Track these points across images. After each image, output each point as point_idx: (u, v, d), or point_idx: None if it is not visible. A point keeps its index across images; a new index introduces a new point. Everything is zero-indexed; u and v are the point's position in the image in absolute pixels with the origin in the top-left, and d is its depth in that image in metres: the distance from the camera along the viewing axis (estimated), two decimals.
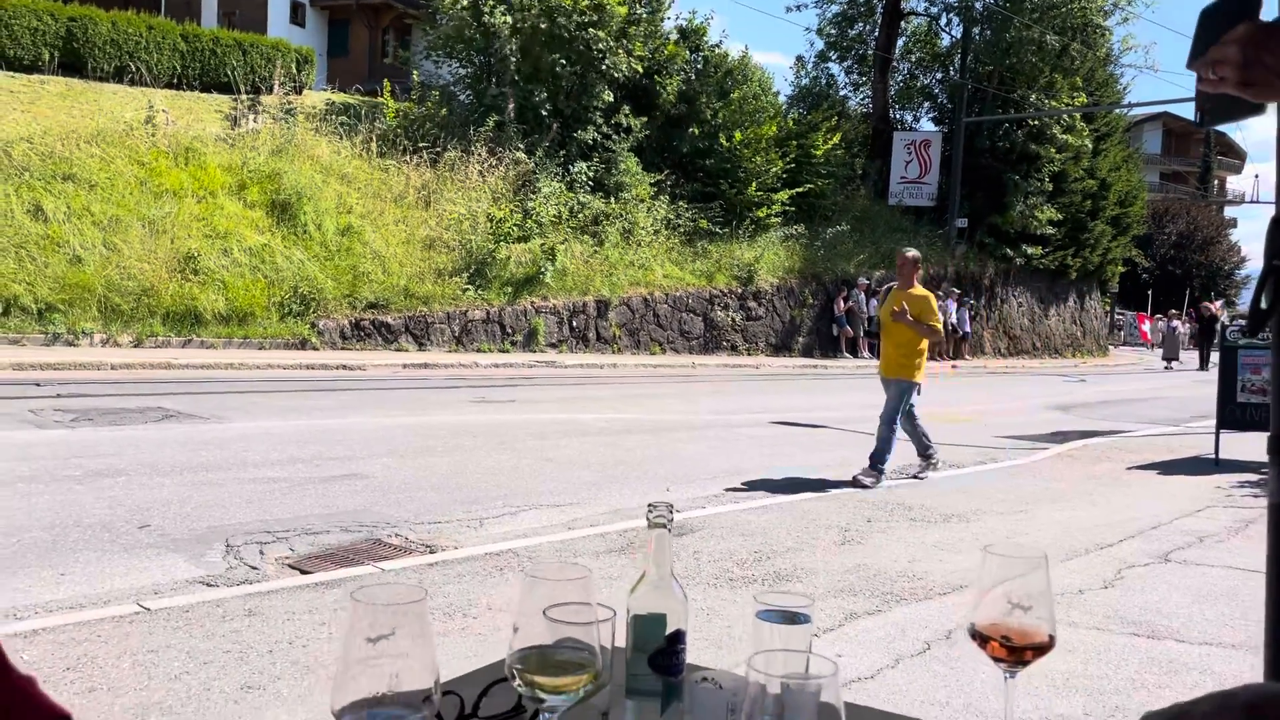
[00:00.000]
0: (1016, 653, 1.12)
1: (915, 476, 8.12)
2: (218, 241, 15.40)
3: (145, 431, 8.25)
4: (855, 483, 7.55)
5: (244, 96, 19.38)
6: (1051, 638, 1.12)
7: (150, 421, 8.72)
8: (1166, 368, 30.71)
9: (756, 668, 0.80)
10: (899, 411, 7.67)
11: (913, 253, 7.86)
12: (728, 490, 7.37)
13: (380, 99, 20.98)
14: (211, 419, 9.03)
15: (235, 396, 10.68)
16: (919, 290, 7.69)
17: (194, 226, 15.35)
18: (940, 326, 7.75)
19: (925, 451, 8.12)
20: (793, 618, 1.19)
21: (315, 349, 15.21)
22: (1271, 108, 1.50)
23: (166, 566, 4.78)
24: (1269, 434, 1.83)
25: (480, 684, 1.25)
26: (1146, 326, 42.35)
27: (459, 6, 19.90)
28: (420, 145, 19.46)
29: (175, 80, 20.18)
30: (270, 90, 20.17)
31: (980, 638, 1.13)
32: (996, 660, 1.14)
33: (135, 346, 13.57)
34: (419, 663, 0.91)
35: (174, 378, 11.96)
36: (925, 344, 7.72)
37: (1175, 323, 33.01)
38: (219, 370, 12.80)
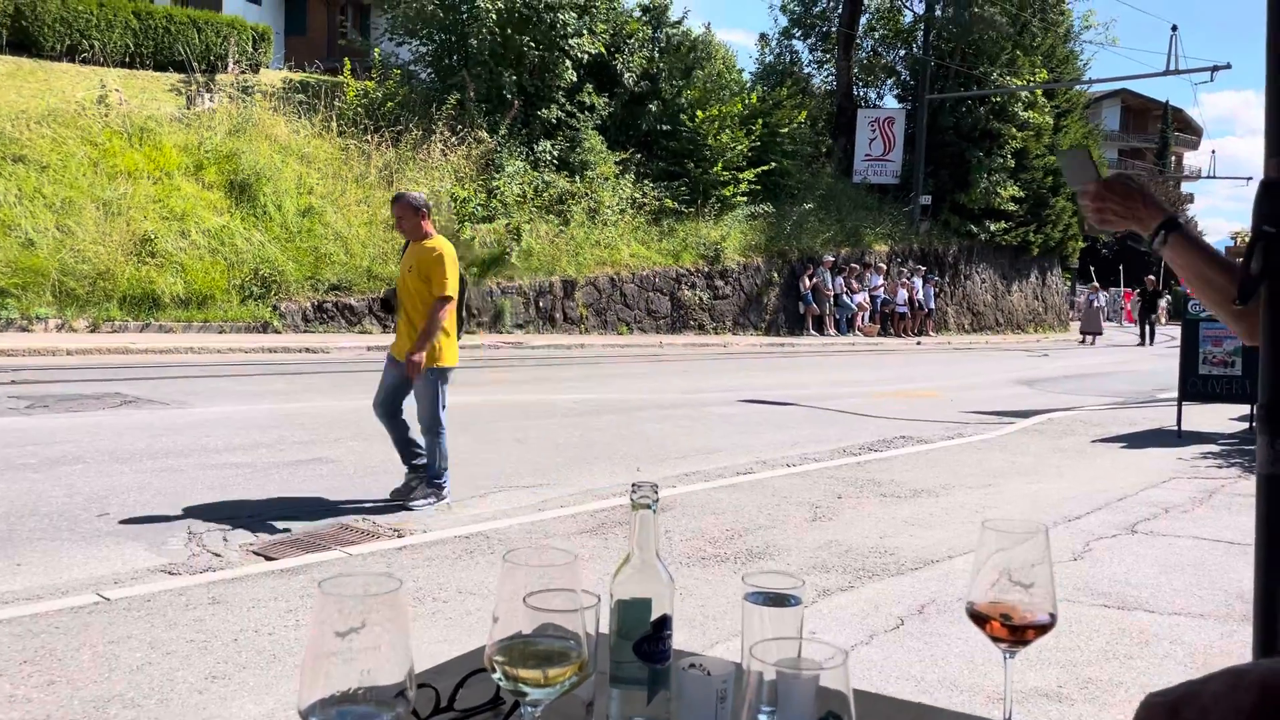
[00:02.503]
0: (1017, 632, 1.08)
1: (397, 498, 5.92)
2: (175, 223, 15.10)
3: (103, 418, 8.07)
4: (406, 504, 5.86)
5: (199, 75, 18.98)
6: (1053, 616, 1.08)
7: (108, 408, 8.54)
8: (1082, 342, 28.91)
9: (756, 657, 0.74)
10: (440, 407, 5.90)
11: (414, 196, 6.00)
12: (698, 469, 7.35)
13: (340, 78, 20.63)
14: (172, 404, 8.86)
15: (196, 381, 10.49)
16: (433, 243, 5.89)
17: (150, 208, 15.03)
18: (450, 291, 5.76)
19: (410, 458, 6.00)
20: (783, 600, 1.14)
21: (277, 332, 14.98)
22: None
23: (127, 555, 4.67)
24: (1256, 404, 1.82)
25: (456, 675, 1.19)
26: (1131, 305, 41.56)
27: None
28: (381, 124, 19.18)
29: (128, 59, 19.70)
30: (226, 69, 19.77)
31: (979, 618, 1.09)
32: (996, 640, 1.09)
33: (92, 331, 13.29)
34: (392, 656, 0.85)
35: (132, 362, 11.72)
36: (449, 318, 5.89)
37: (1094, 295, 31.61)
38: (179, 355, 12.57)
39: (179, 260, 14.65)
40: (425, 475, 5.98)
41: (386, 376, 6.02)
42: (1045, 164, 30.32)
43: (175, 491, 5.84)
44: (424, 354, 5.74)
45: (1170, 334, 34.82)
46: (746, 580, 1.16)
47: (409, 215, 5.92)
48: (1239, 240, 37.69)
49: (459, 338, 6.06)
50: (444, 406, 5.92)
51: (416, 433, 5.99)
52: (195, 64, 19.44)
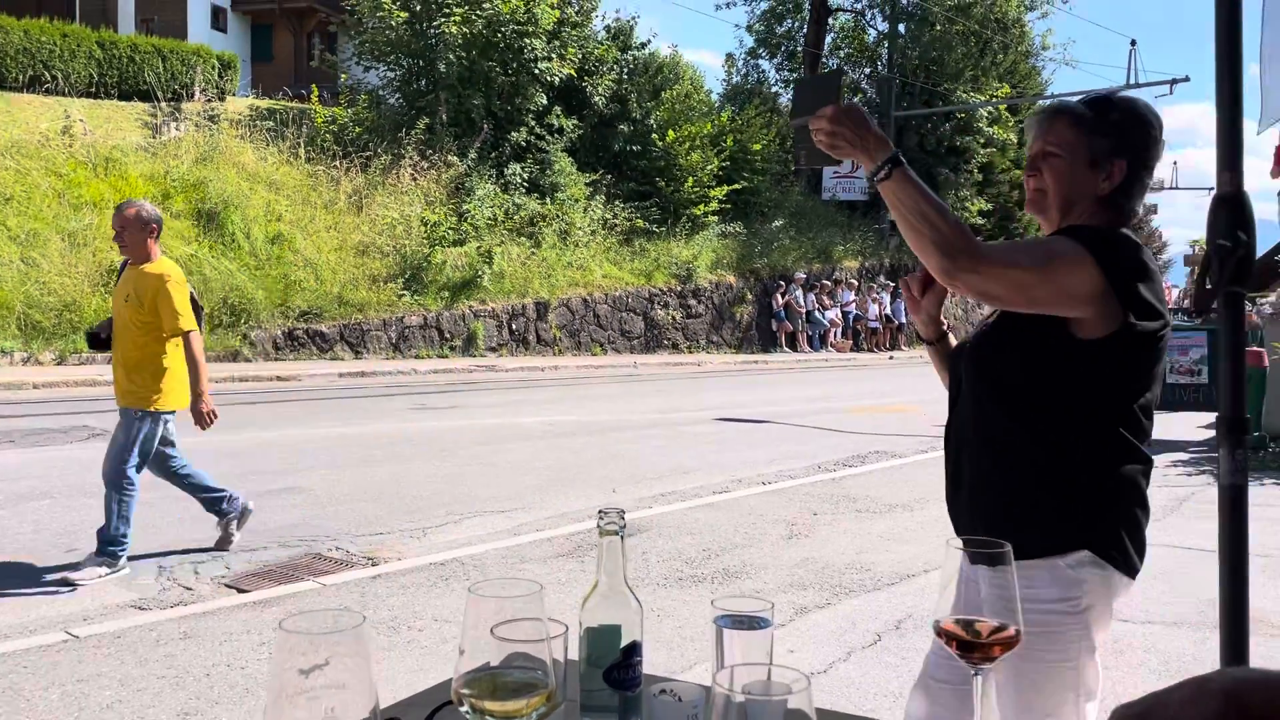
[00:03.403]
0: (984, 649, 1.08)
1: (218, 547, 5.28)
2: None
3: (71, 451, 7.96)
4: (67, 582, 4.62)
5: (165, 104, 18.87)
6: (1019, 631, 1.08)
7: (76, 441, 8.42)
8: None
9: (721, 684, 0.74)
10: (131, 460, 4.83)
11: (139, 208, 4.87)
12: (674, 489, 7.34)
13: (308, 104, 20.58)
14: None
15: None
16: (158, 267, 4.84)
17: None
18: (188, 325, 4.81)
19: (217, 505, 5.27)
20: (752, 623, 1.14)
21: (247, 360, 14.85)
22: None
23: (96, 591, 4.60)
24: (1216, 416, 1.85)
25: (426, 708, 1.18)
26: None
27: (396, 18, 19.59)
28: (350, 150, 19.13)
29: (92, 89, 19.55)
30: (192, 97, 19.68)
31: (946, 635, 1.10)
32: (962, 657, 1.10)
33: (58, 364, 13.12)
34: (357, 693, 0.84)
35: (100, 395, 11.55)
36: (175, 353, 4.85)
37: None
38: None
39: None
40: (230, 515, 5.23)
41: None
42: (1011, 178, 30.71)
43: (145, 525, 5.75)
44: (207, 400, 4.90)
45: None
46: (716, 604, 1.16)
47: (134, 230, 4.79)
48: (1197, 247, 38.15)
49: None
50: (139, 462, 4.86)
51: (205, 477, 5.25)
52: (160, 93, 19.32)
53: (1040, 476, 1.76)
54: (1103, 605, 1.77)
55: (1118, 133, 1.79)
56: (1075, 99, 1.92)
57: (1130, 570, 1.79)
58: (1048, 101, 34.45)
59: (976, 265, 1.64)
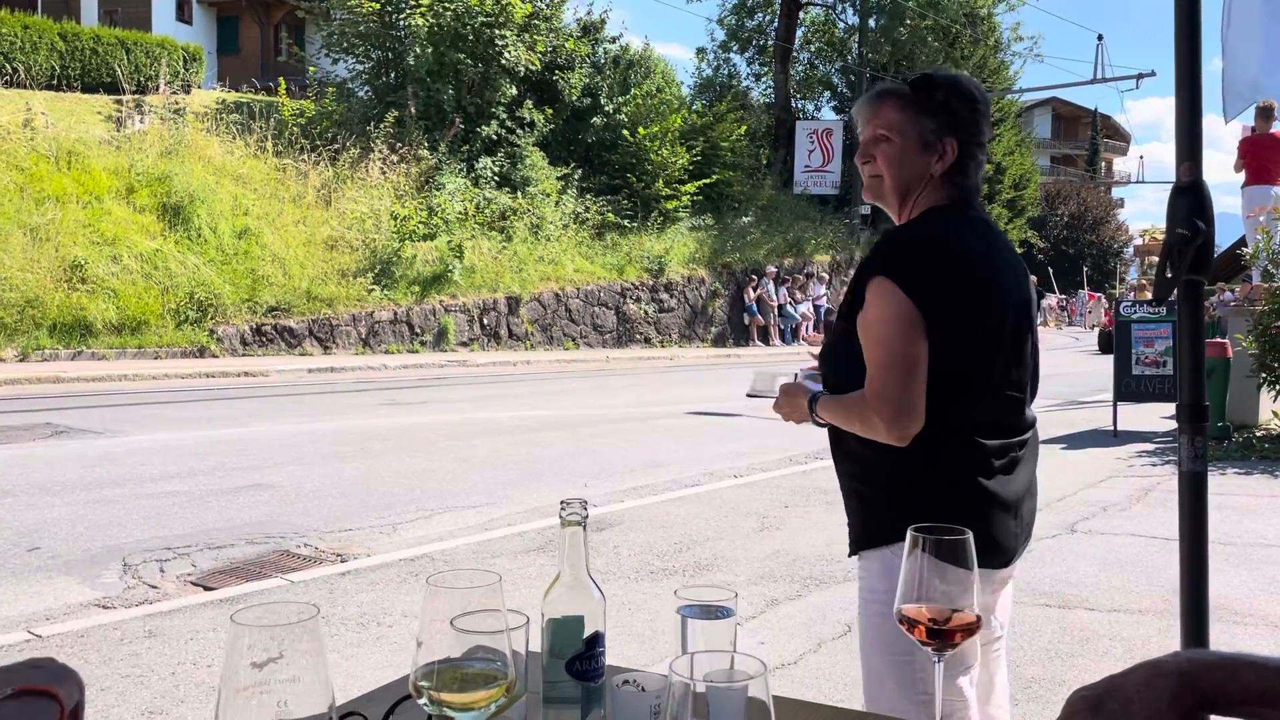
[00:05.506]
0: (944, 635, 1.09)
1: None
2: (106, 248, 14.76)
3: (33, 449, 7.84)
4: None
5: (129, 97, 18.62)
6: (978, 617, 1.09)
7: (38, 439, 8.30)
8: None
9: (678, 672, 0.74)
10: None
11: None
12: (646, 483, 7.34)
13: (275, 97, 20.37)
14: (105, 433, 8.64)
15: (130, 409, 10.25)
16: None
17: (80, 233, 14.67)
18: None
19: None
20: (716, 612, 1.14)
21: (214, 356, 14.70)
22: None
23: (59, 590, 4.54)
24: (1177, 404, 1.87)
25: (387, 702, 1.17)
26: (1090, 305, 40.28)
27: (367, 8, 19.43)
28: (318, 143, 18.96)
29: (55, 81, 19.26)
30: (157, 90, 19.43)
31: (907, 622, 1.10)
32: (924, 644, 1.10)
33: (20, 361, 12.92)
34: (311, 686, 0.83)
35: (64, 392, 11.42)
36: None
37: None
38: (112, 382, 12.27)
39: (111, 286, 14.32)
40: None
41: None
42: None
43: (109, 523, 5.69)
44: None
45: (1048, 339, 34.94)
46: (679, 594, 1.16)
47: None
48: (1147, 238, 38.37)
49: None
50: None
51: None
52: (124, 85, 19.05)
53: (874, 473, 1.82)
54: None
55: (945, 111, 1.76)
56: (898, 81, 1.89)
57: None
58: (1016, 95, 34.74)
59: (903, 421, 1.69)
